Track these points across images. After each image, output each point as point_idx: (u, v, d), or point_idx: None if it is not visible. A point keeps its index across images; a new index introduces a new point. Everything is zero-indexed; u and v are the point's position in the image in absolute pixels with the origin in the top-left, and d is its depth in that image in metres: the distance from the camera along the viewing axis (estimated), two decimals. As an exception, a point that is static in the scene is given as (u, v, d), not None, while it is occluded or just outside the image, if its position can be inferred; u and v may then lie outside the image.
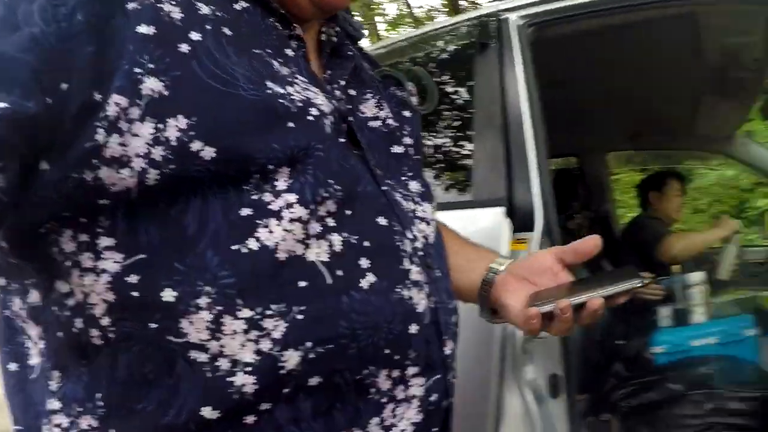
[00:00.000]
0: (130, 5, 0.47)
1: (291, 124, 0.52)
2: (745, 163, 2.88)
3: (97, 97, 0.45)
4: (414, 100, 0.74)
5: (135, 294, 0.48)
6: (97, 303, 0.49)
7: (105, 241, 0.49)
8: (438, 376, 0.58)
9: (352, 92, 0.66)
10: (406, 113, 0.72)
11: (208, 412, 0.49)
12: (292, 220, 0.51)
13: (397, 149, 0.67)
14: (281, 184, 0.51)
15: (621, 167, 4.46)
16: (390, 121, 0.68)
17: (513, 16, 1.52)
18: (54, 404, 0.53)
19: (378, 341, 0.53)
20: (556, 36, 1.60)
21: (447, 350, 0.60)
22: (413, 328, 0.56)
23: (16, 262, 0.51)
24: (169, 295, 0.48)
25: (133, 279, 0.48)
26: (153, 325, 0.49)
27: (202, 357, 0.49)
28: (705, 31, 1.98)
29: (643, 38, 2.00)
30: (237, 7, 0.57)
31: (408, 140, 0.69)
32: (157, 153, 0.47)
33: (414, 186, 0.67)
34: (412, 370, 0.55)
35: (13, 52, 0.42)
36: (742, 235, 2.59)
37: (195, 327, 0.49)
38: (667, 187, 2.79)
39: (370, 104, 0.67)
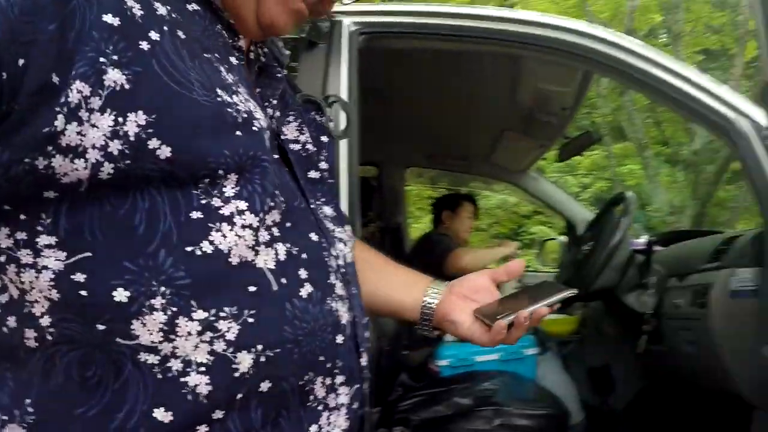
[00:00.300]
0: None
1: (239, 133, 0.54)
2: (532, 195, 3.25)
3: (55, 79, 0.45)
4: (331, 125, 0.80)
5: (83, 293, 0.49)
6: (38, 301, 0.48)
7: (45, 240, 0.49)
8: (357, 386, 0.63)
9: (278, 113, 0.70)
10: (324, 138, 0.76)
11: (161, 414, 0.49)
12: (243, 227, 0.53)
13: (313, 174, 0.72)
14: (229, 190, 0.53)
15: (413, 180, 4.81)
16: (309, 146, 0.72)
17: (347, 21, 1.54)
18: None
19: (315, 348, 0.57)
20: (384, 48, 1.65)
21: (363, 362, 0.65)
22: (340, 339, 0.61)
23: None
24: (121, 294, 0.49)
25: (79, 277, 0.49)
26: (101, 327, 0.49)
27: (153, 359, 0.49)
28: (524, 73, 2.21)
29: (463, 67, 2.16)
30: (189, 8, 0.60)
31: (324, 165, 0.74)
32: (115, 147, 0.48)
33: (328, 210, 0.72)
34: (339, 379, 0.60)
35: None
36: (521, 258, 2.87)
37: (147, 329, 0.49)
38: (460, 208, 3.04)
39: (291, 127, 0.72)
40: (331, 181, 0.76)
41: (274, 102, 0.69)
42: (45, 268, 0.48)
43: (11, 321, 0.50)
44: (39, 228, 0.48)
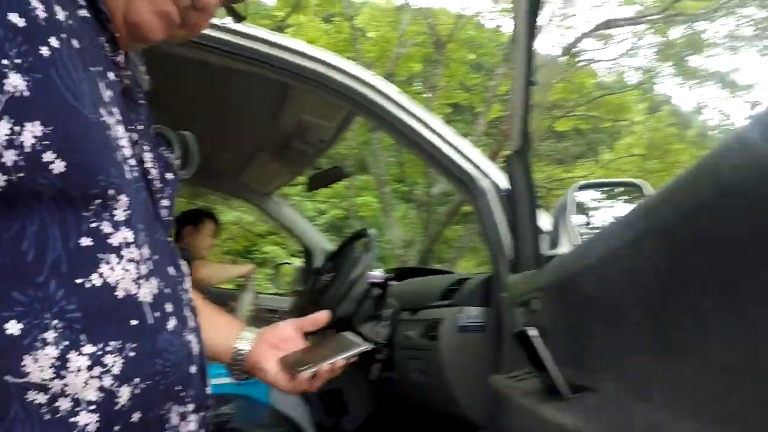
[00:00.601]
0: None
1: (115, 155, 0.56)
2: (273, 218, 3.35)
3: None
4: (176, 163, 0.79)
5: None
6: None
7: None
8: (203, 413, 0.67)
9: (139, 139, 0.69)
10: (169, 176, 0.76)
11: None
12: (129, 260, 0.55)
13: (166, 202, 0.72)
14: (120, 214, 0.54)
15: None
16: (156, 182, 0.71)
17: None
18: None
19: (176, 379, 0.60)
20: (161, 51, 1.62)
21: (208, 390, 0.69)
22: (193, 369, 0.64)
23: None
24: (13, 327, 0.49)
25: None
26: None
27: (42, 398, 0.49)
28: (289, 99, 2.33)
29: (228, 82, 2.22)
30: (80, 13, 0.59)
31: (166, 203, 0.73)
32: (9, 157, 0.48)
33: (170, 240, 0.73)
34: (190, 407, 0.63)
35: None
36: (256, 283, 3.00)
37: (39, 365, 0.48)
38: (202, 225, 3.07)
39: (147, 157, 0.70)
40: (169, 219, 0.77)
41: (139, 128, 0.70)
42: None
43: None
44: None
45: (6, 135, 0.48)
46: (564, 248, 1.60)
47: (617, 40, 9.83)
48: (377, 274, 2.44)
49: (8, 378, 0.48)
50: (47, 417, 0.50)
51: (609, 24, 9.55)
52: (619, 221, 0.83)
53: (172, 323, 0.62)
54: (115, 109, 0.61)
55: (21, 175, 0.48)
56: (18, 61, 0.48)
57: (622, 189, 1.99)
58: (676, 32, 9.16)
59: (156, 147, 0.77)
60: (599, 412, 0.70)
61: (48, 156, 0.49)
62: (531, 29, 1.46)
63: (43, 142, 0.49)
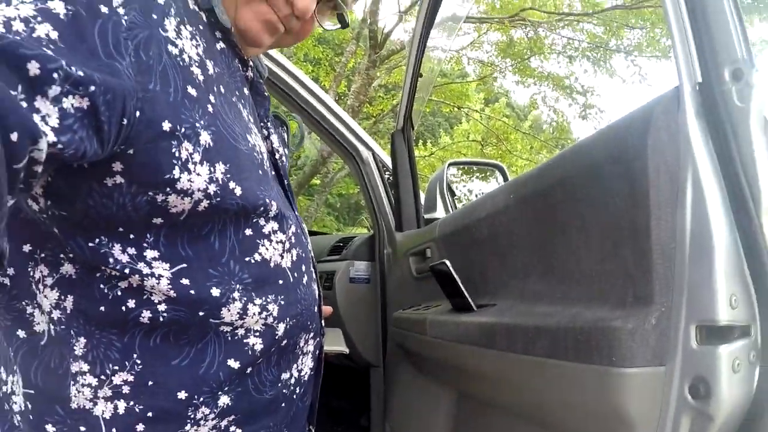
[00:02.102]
0: (182, 61, 0.66)
1: (260, 172, 0.74)
2: None
3: (167, 126, 0.62)
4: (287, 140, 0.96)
5: (192, 292, 0.68)
6: (157, 294, 0.66)
7: (150, 254, 0.67)
8: (318, 339, 0.87)
9: (268, 125, 0.86)
10: (286, 151, 0.93)
11: (232, 363, 0.72)
12: (277, 242, 0.76)
13: (286, 181, 0.89)
14: (271, 212, 0.75)
15: None
16: (284, 158, 0.90)
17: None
18: (81, 366, 0.67)
19: (308, 317, 0.81)
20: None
21: (322, 322, 0.89)
22: (315, 309, 0.85)
23: (68, 243, 0.64)
24: (215, 291, 0.69)
25: (185, 281, 0.68)
26: (201, 313, 0.69)
27: (228, 329, 0.71)
28: None
29: None
30: (218, 47, 0.75)
31: (286, 181, 0.90)
32: (212, 188, 0.67)
33: (295, 209, 0.90)
34: (311, 335, 0.84)
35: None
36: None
37: (230, 312, 0.70)
38: None
39: (275, 138, 0.88)
40: (291, 191, 0.91)
41: (267, 121, 0.85)
42: (161, 276, 0.66)
43: (131, 302, 0.66)
44: (144, 245, 0.65)
45: (208, 174, 0.66)
46: (439, 212, 1.95)
47: (462, 32, 10.45)
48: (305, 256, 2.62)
49: (211, 320, 0.70)
50: (230, 338, 0.72)
51: (455, 18, 10.11)
52: (502, 188, 1.17)
53: (305, 278, 0.81)
54: (252, 122, 0.78)
55: (218, 199, 0.67)
56: (202, 122, 0.66)
57: (477, 168, 2.39)
58: (518, 34, 9.91)
59: (277, 128, 0.92)
60: (501, 315, 1.03)
61: (231, 185, 0.68)
62: (427, 31, 1.76)
63: (227, 176, 0.67)
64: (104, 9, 0.58)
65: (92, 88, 0.54)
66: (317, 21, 0.83)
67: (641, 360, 0.69)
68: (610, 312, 0.76)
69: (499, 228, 1.15)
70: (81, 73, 0.53)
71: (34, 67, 0.50)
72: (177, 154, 0.63)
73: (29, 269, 0.66)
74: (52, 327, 0.67)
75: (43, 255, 0.66)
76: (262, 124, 0.85)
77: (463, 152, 11.35)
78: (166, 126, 0.62)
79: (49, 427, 0.66)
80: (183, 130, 0.63)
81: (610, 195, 0.80)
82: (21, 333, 0.68)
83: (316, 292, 0.87)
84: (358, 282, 2.09)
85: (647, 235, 0.72)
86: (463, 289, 1.13)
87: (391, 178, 2.11)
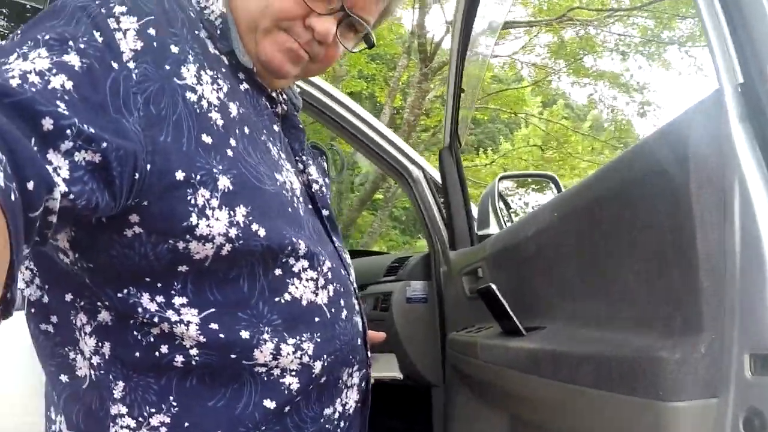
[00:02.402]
0: (199, 108, 0.66)
1: (289, 209, 0.74)
2: None
3: (180, 176, 0.63)
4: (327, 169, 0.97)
5: (221, 336, 0.68)
6: (189, 339, 0.66)
7: (179, 300, 0.67)
8: (364, 370, 0.86)
9: (304, 158, 0.86)
10: (327, 180, 0.93)
11: (268, 402, 0.72)
12: (308, 280, 0.74)
13: (326, 212, 0.88)
14: (300, 251, 0.73)
15: None
16: (324, 188, 0.89)
17: None
18: (120, 409, 0.68)
19: (348, 351, 0.80)
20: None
21: (368, 353, 0.88)
22: (359, 341, 0.83)
23: (98, 293, 0.65)
24: (245, 334, 0.69)
25: (214, 326, 0.67)
26: (233, 356, 0.68)
27: (263, 369, 0.70)
28: None
29: None
30: (242, 88, 0.76)
31: (326, 212, 0.89)
32: (233, 232, 0.66)
33: (338, 241, 0.89)
34: (355, 368, 0.83)
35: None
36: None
37: (263, 354, 0.70)
38: None
39: (312, 170, 0.88)
40: (335, 222, 0.91)
41: (302, 154, 0.86)
42: (189, 322, 0.66)
43: (164, 348, 0.67)
44: (172, 292, 0.66)
45: (227, 218, 0.65)
46: (493, 228, 1.89)
47: (512, 37, 10.34)
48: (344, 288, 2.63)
49: (244, 362, 0.69)
50: (265, 379, 0.71)
51: (506, 25, 10.07)
52: (548, 205, 1.12)
53: (344, 313, 0.80)
54: (284, 158, 0.78)
55: (241, 242, 0.66)
56: (220, 167, 0.65)
57: (532, 180, 2.32)
58: (569, 34, 9.74)
59: (315, 158, 0.93)
60: (547, 340, 0.97)
61: (254, 227, 0.67)
62: (464, 46, 1.73)
63: (249, 218, 0.67)
64: (115, 64, 0.60)
65: (104, 144, 0.55)
66: (341, 44, 0.80)
67: (690, 392, 0.63)
68: (657, 339, 0.70)
69: (546, 247, 1.09)
70: (92, 131, 0.54)
71: (48, 123, 0.51)
72: (193, 201, 0.63)
73: (71, 317, 0.68)
74: (92, 372, 0.68)
75: (82, 303, 0.67)
76: (297, 158, 0.85)
77: (524, 158, 11.15)
78: (180, 175, 0.63)
79: None
80: (198, 177, 0.64)
81: (654, 211, 0.74)
82: (64, 378, 0.71)
83: (360, 325, 0.85)
84: (415, 302, 2.06)
85: (693, 253, 0.66)
86: (511, 312, 1.08)
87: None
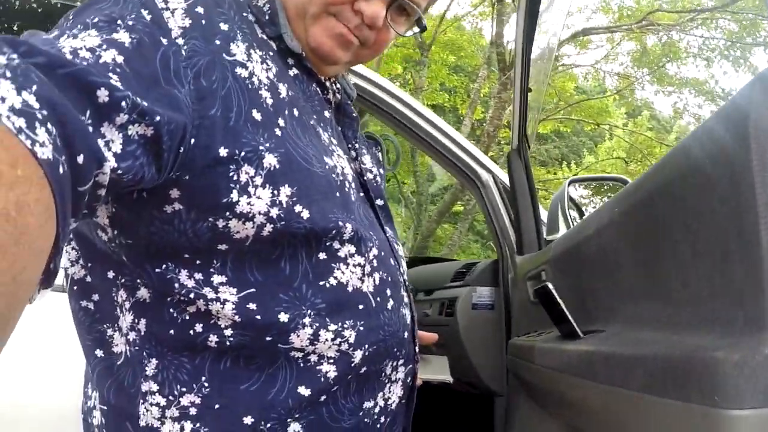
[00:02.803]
0: (251, 84, 0.65)
1: (338, 194, 0.71)
2: None
3: (223, 153, 0.62)
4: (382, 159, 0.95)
5: (258, 317, 0.66)
6: (223, 319, 0.64)
7: (217, 279, 0.65)
8: (411, 365, 0.83)
9: (357, 146, 0.85)
10: (381, 170, 0.92)
11: (302, 389, 0.69)
12: (354, 265, 0.72)
13: (380, 202, 0.87)
14: (346, 234, 0.71)
15: None
16: (378, 177, 0.88)
17: None
18: (151, 386, 0.67)
19: (393, 343, 0.77)
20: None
21: (416, 348, 0.85)
22: (406, 335, 0.80)
23: (136, 270, 0.64)
24: (283, 317, 0.67)
25: (252, 306, 0.65)
26: (268, 338, 0.66)
27: (299, 354, 0.68)
28: None
29: None
30: (291, 74, 0.75)
31: (380, 201, 0.88)
32: (274, 212, 0.65)
33: (391, 232, 0.87)
34: (400, 362, 0.80)
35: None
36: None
37: (300, 338, 0.67)
38: None
39: (366, 159, 0.87)
40: (389, 212, 0.90)
41: (355, 142, 0.84)
42: (226, 300, 0.65)
43: (199, 327, 0.66)
44: (211, 270, 0.65)
45: (269, 197, 0.64)
46: (562, 233, 1.81)
47: (594, 46, 10.05)
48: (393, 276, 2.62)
49: (280, 345, 0.67)
50: (302, 365, 0.69)
51: (586, 32, 9.81)
52: (610, 201, 1.04)
53: (390, 303, 0.77)
54: (335, 143, 0.76)
55: (283, 223, 0.65)
56: (267, 145, 0.64)
57: (607, 185, 2.20)
58: (651, 40, 9.37)
59: (370, 148, 0.91)
60: (603, 342, 0.90)
61: (298, 208, 0.66)
62: (528, 43, 1.66)
63: (293, 198, 0.65)
64: (164, 40, 0.60)
65: (157, 118, 0.55)
66: (392, 28, 0.78)
67: (752, 399, 0.55)
68: (716, 339, 0.62)
69: (606, 245, 1.02)
70: (146, 104, 0.54)
71: (103, 95, 0.50)
72: (236, 178, 0.62)
73: (113, 294, 0.68)
74: (128, 348, 0.68)
75: (123, 280, 0.67)
76: (349, 145, 0.83)
77: (608, 171, 10.75)
78: (223, 152, 0.62)
79: None
80: (243, 153, 0.63)
81: (715, 200, 0.66)
82: (99, 353, 0.71)
83: (408, 318, 0.82)
84: (481, 308, 1.99)
85: (757, 243, 0.58)
86: (568, 313, 1.01)
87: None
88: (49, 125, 0.42)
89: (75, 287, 0.72)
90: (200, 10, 0.64)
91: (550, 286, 1.01)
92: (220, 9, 0.68)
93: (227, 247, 0.65)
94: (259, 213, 0.64)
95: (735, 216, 0.62)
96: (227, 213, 0.63)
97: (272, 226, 0.65)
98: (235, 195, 0.62)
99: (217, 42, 0.64)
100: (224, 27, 0.66)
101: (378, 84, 2.02)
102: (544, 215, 1.91)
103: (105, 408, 0.70)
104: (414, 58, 10.69)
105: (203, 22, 0.64)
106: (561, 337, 1.09)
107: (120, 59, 0.55)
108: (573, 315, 1.06)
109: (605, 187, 2.18)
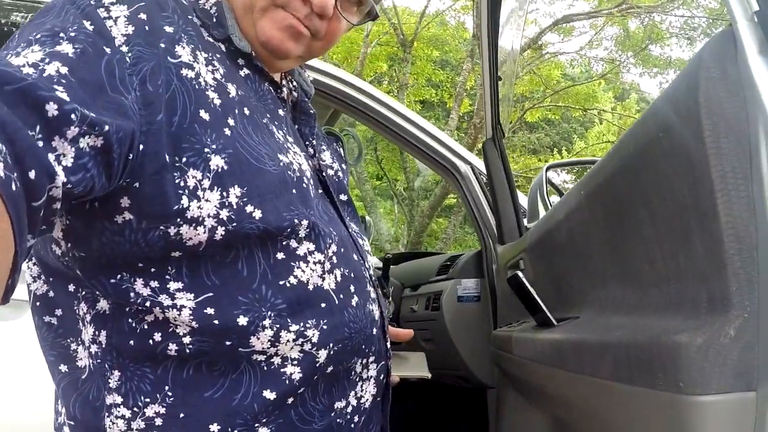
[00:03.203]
0: (197, 84, 0.63)
1: (294, 191, 0.69)
2: None
3: (168, 159, 0.60)
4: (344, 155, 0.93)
5: (216, 322, 0.63)
6: (181, 326, 0.62)
7: (174, 285, 0.63)
8: (383, 362, 0.80)
9: (315, 144, 0.82)
10: (344, 166, 0.90)
11: (267, 393, 0.66)
12: (314, 263, 0.69)
13: (343, 197, 0.85)
14: (302, 232, 0.69)
15: None
16: (339, 173, 0.86)
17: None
18: (115, 399, 0.65)
19: (360, 341, 0.74)
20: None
21: (387, 344, 0.83)
22: (374, 331, 0.77)
23: (90, 282, 0.62)
24: (242, 319, 0.64)
25: (210, 311, 0.63)
26: (228, 343, 0.64)
27: (261, 357, 0.65)
28: None
29: None
30: (242, 74, 0.73)
31: (344, 197, 0.86)
32: (224, 214, 0.62)
33: (355, 227, 0.85)
34: (371, 359, 0.77)
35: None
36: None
37: (260, 341, 0.65)
38: None
39: (326, 155, 0.85)
40: (352, 207, 0.88)
41: (312, 139, 0.82)
42: (183, 307, 0.62)
43: (157, 336, 0.64)
44: (167, 277, 0.62)
45: (218, 199, 0.62)
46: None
47: (578, 32, 10.03)
48: (374, 260, 2.59)
49: (240, 349, 0.65)
50: (265, 368, 0.66)
51: (567, 18, 9.79)
52: (577, 184, 1.00)
53: (354, 300, 0.74)
54: (290, 141, 0.74)
55: (234, 224, 0.63)
56: (214, 146, 0.62)
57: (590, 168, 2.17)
58: (634, 24, 9.36)
59: (330, 144, 0.89)
60: (578, 329, 0.86)
61: (249, 208, 0.63)
62: (494, 28, 1.62)
63: (243, 199, 0.63)
64: (108, 49, 0.59)
65: (106, 127, 0.53)
66: (343, 17, 0.75)
67: (719, 384, 0.51)
68: (681, 322, 0.58)
69: (575, 229, 0.98)
70: (94, 114, 0.53)
71: (52, 109, 0.49)
72: (183, 183, 0.61)
73: (74, 308, 0.67)
74: (90, 361, 0.66)
75: (84, 293, 0.66)
76: (307, 142, 0.81)
77: (599, 155, 10.72)
78: (169, 158, 0.60)
79: None
80: (185, 159, 0.61)
81: (672, 175, 0.62)
82: (63, 367, 0.69)
83: (376, 314, 0.79)
84: (467, 300, 1.95)
85: (715, 218, 0.54)
86: (540, 301, 0.97)
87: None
88: None
89: (38, 303, 0.70)
90: (143, 16, 0.63)
91: (521, 275, 0.97)
92: (164, 13, 0.66)
93: (181, 253, 0.63)
94: (209, 216, 0.62)
95: (692, 190, 0.58)
96: (178, 220, 0.61)
97: (224, 228, 0.63)
98: (185, 201, 0.61)
99: (162, 45, 0.63)
100: (169, 29, 0.65)
101: (350, 83, 1.98)
102: (525, 203, 1.87)
103: (72, 423, 0.68)
104: (399, 56, 10.65)
105: (146, 27, 0.63)
106: (537, 326, 1.05)
107: (64, 70, 0.54)
108: (550, 302, 1.02)
109: (588, 171, 2.14)
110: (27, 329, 1.36)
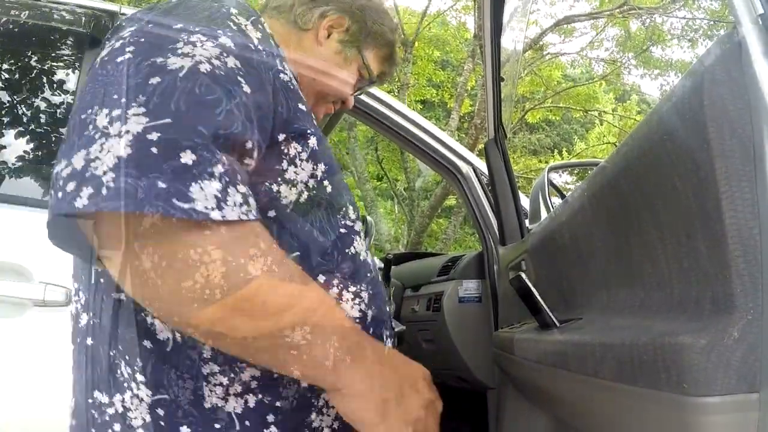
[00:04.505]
0: (292, 85, 0.77)
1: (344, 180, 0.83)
2: None
3: (279, 137, 0.72)
4: None
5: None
6: None
7: None
8: (392, 340, 0.87)
9: None
10: None
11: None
12: (360, 240, 0.82)
13: None
14: (351, 213, 0.81)
15: None
16: None
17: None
18: (212, 368, 0.68)
19: (385, 315, 0.84)
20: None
21: (393, 322, 0.90)
22: (388, 308, 0.85)
23: None
24: (320, 279, 0.74)
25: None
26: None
27: None
28: None
29: None
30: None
31: None
32: (312, 182, 0.75)
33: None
34: (388, 332, 0.85)
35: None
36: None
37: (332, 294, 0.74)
38: None
39: None
40: None
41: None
42: None
43: None
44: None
45: (311, 170, 0.74)
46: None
47: (579, 33, 10.02)
48: (375, 260, 2.59)
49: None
50: None
51: (569, 19, 9.79)
52: (580, 186, 1.00)
53: (380, 277, 0.86)
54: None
55: (314, 192, 0.74)
56: (312, 129, 0.76)
57: (593, 170, 2.18)
58: (635, 25, 9.35)
59: None
60: (581, 330, 0.86)
61: (326, 182, 0.76)
62: (496, 28, 1.62)
63: (324, 173, 0.76)
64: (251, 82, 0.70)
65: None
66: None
67: (722, 385, 0.51)
68: (685, 323, 0.59)
69: (578, 231, 0.98)
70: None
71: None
72: (286, 150, 0.72)
73: None
74: (176, 333, 0.68)
75: None
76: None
77: (599, 156, 10.71)
78: (281, 137, 0.72)
79: (183, 428, 0.68)
80: (293, 133, 0.73)
81: (676, 176, 0.62)
82: (147, 343, 0.69)
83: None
84: (468, 301, 1.95)
85: (719, 219, 0.55)
86: (542, 302, 0.97)
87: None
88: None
89: (101, 279, 0.72)
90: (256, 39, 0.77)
91: (524, 276, 0.97)
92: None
93: (275, 214, 0.71)
94: (301, 181, 0.74)
95: (696, 192, 0.58)
96: (279, 179, 0.71)
97: (308, 193, 0.74)
98: (285, 164, 0.72)
99: (267, 61, 0.74)
100: (265, 57, 0.76)
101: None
102: (527, 204, 1.87)
103: (165, 397, 0.68)
104: (400, 56, 10.62)
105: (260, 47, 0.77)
106: (539, 327, 1.05)
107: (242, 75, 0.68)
108: (553, 304, 1.02)
109: (590, 172, 2.15)
110: (27, 329, 1.36)
